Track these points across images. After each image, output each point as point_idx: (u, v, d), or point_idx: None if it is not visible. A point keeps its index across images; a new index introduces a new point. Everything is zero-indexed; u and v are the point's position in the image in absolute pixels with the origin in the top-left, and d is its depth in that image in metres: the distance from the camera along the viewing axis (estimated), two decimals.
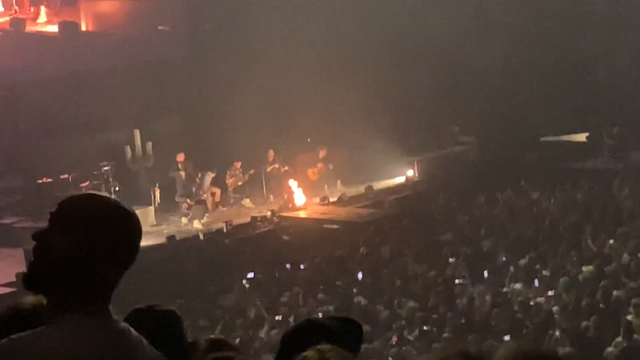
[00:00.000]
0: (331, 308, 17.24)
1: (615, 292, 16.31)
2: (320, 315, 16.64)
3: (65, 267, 2.84)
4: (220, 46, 27.20)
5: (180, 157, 25.30)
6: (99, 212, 2.89)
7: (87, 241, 2.85)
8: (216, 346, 4.31)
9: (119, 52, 28.18)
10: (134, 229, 2.95)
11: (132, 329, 2.93)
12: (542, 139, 28.43)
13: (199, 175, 25.23)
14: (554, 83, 28.59)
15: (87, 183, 23.76)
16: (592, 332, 14.89)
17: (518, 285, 17.69)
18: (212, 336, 4.02)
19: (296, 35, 27.18)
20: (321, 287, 18.83)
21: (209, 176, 25.30)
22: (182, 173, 25.07)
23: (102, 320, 2.87)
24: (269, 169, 26.33)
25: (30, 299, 3.54)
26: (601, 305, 15.82)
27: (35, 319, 3.34)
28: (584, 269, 17.76)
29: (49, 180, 23.87)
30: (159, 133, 26.50)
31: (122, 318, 3.31)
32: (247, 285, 19.80)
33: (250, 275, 20.10)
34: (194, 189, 25.04)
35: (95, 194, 2.97)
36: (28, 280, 2.89)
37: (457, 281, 18.26)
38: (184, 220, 24.64)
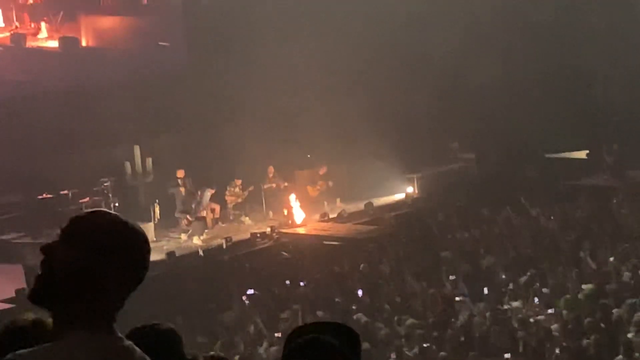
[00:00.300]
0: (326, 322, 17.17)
1: (615, 310, 16.28)
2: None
3: (72, 283, 2.82)
4: (220, 62, 27.21)
5: (180, 173, 25.29)
6: (110, 230, 2.88)
7: (96, 258, 2.84)
8: None
9: (119, 68, 28.19)
10: (143, 248, 2.94)
11: (136, 348, 2.92)
12: (542, 155, 28.42)
13: (199, 191, 25.22)
14: (553, 100, 28.61)
15: (87, 199, 23.74)
16: (592, 350, 14.85)
17: (518, 303, 17.66)
18: (212, 353, 4.01)
19: (296, 52, 27.20)
20: (320, 303, 18.79)
21: (209, 192, 25.30)
22: (182, 189, 25.06)
23: (108, 337, 2.85)
24: (268, 186, 26.33)
25: (28, 316, 3.53)
26: (601, 324, 15.79)
27: (33, 335, 3.33)
28: (584, 286, 17.73)
29: (49, 196, 23.86)
30: (159, 149, 26.53)
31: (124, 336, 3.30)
32: (246, 302, 19.77)
33: (250, 291, 20.07)
34: (193, 205, 25.03)
35: (107, 212, 2.96)
36: (34, 295, 2.88)
37: (456, 298, 18.23)
38: (184, 236, 24.63)
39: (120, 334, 2.90)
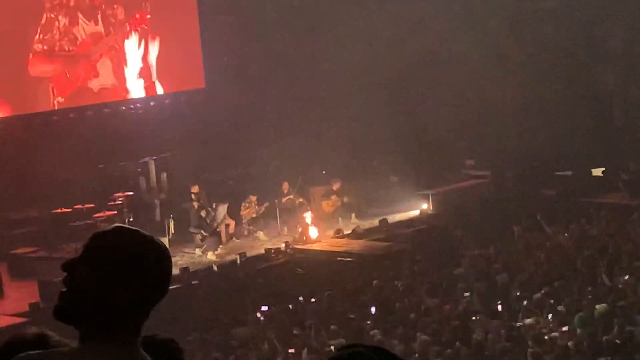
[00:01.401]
0: (344, 341, 17.16)
1: (630, 328, 16.21)
2: (332, 348, 16.59)
3: (95, 300, 2.85)
4: (235, 78, 27.30)
5: (195, 189, 25.32)
6: (132, 246, 2.89)
7: (118, 275, 2.85)
8: None
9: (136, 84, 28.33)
10: (165, 264, 2.96)
11: None
12: (558, 173, 28.38)
13: (214, 206, 25.24)
14: (570, 118, 28.59)
15: (102, 214, 23.81)
16: None
17: (532, 320, 17.59)
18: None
19: (310, 68, 27.27)
20: (334, 320, 18.75)
21: (223, 208, 25.31)
22: (195, 204, 25.07)
23: (131, 351, 2.89)
24: (283, 201, 26.34)
25: (33, 330, 3.54)
26: (617, 341, 15.71)
27: (36, 349, 3.33)
28: (599, 304, 17.66)
29: (65, 210, 23.92)
30: (174, 164, 26.59)
31: None
32: (261, 318, 19.74)
33: (264, 308, 20.04)
34: (208, 221, 25.03)
35: (128, 228, 2.96)
36: (59, 311, 2.90)
37: (472, 316, 18.17)
38: (198, 251, 24.64)
39: (139, 347, 2.93)
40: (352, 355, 3.03)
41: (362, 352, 3.00)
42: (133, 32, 27.89)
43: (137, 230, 2.95)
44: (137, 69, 27.97)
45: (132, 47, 27.90)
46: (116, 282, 2.85)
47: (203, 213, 25.03)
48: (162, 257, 2.94)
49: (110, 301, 2.85)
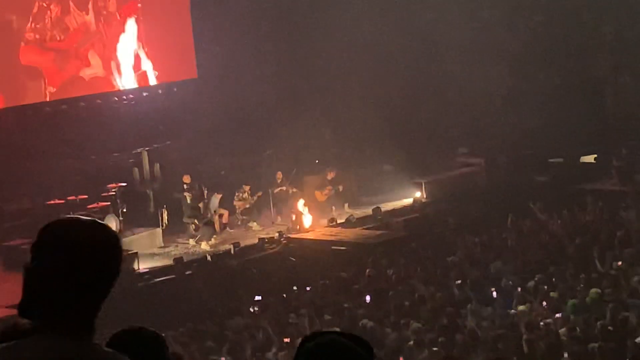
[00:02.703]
0: (338, 330, 17.18)
1: (623, 314, 16.25)
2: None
3: (41, 293, 2.84)
4: (227, 67, 27.28)
5: (187, 178, 25.33)
6: (71, 235, 2.87)
7: (59, 265, 2.83)
8: None
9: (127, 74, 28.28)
10: (106, 248, 2.91)
11: (109, 351, 2.93)
12: (551, 160, 28.41)
13: (206, 196, 25.25)
14: (562, 105, 28.61)
15: (96, 205, 23.80)
16: (600, 354, 14.83)
17: (525, 307, 17.63)
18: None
19: (303, 58, 27.25)
20: (328, 308, 18.78)
21: (216, 197, 25.33)
22: (188, 195, 25.08)
23: (80, 344, 2.85)
24: (276, 191, 26.35)
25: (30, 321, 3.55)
26: (610, 328, 15.76)
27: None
28: (592, 290, 17.70)
29: (58, 202, 23.90)
30: (167, 155, 26.58)
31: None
32: (255, 307, 19.77)
33: (258, 298, 20.06)
34: (201, 211, 25.04)
35: (69, 218, 2.93)
36: (21, 309, 2.91)
37: (465, 304, 18.21)
38: (192, 242, 24.66)
39: (92, 340, 2.89)
40: (328, 343, 3.07)
41: (337, 339, 3.04)
42: (125, 21, 27.84)
43: (78, 219, 2.92)
44: (128, 58, 27.92)
45: (123, 37, 27.85)
46: (58, 273, 2.83)
47: (195, 203, 25.05)
48: (103, 242, 2.90)
49: (54, 293, 2.83)
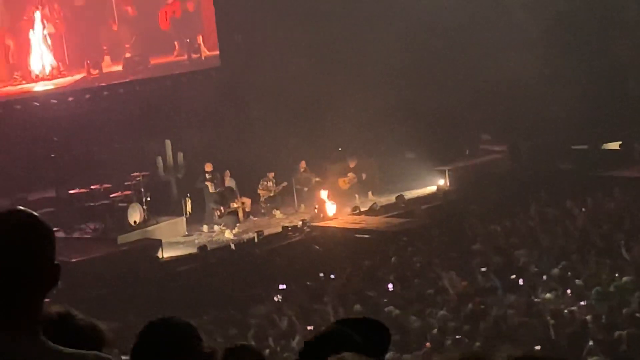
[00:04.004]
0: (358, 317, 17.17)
1: None
2: None
3: None
4: (250, 56, 27.27)
5: (208, 166, 25.38)
6: (19, 227, 2.81)
7: (10, 258, 2.76)
8: (235, 354, 4.27)
9: (150, 63, 28.34)
10: (53, 242, 2.85)
11: (60, 348, 2.82)
12: (575, 147, 28.27)
13: (226, 180, 25.35)
14: (586, 91, 28.42)
15: (119, 193, 23.86)
16: (625, 342, 14.76)
17: (550, 295, 17.57)
18: (243, 343, 3.98)
19: (326, 44, 27.20)
20: (352, 296, 18.79)
21: (230, 179, 25.41)
22: (209, 184, 25.15)
23: (29, 338, 2.78)
24: (300, 179, 26.34)
25: (57, 308, 3.53)
26: (637, 315, 15.69)
27: (62, 327, 3.33)
28: (617, 278, 17.63)
29: (82, 191, 23.97)
30: (191, 143, 26.61)
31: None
32: (278, 295, 19.79)
33: (282, 286, 20.06)
34: (225, 198, 25.02)
35: (16, 210, 2.86)
36: None
37: (489, 292, 18.17)
38: (218, 228, 24.66)
39: (42, 337, 2.81)
40: (332, 331, 3.06)
41: (341, 327, 3.04)
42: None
43: (23, 211, 2.85)
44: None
45: None
46: (8, 266, 2.75)
47: (217, 191, 25.09)
48: (50, 235, 2.85)
49: (5, 286, 2.75)
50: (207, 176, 25.31)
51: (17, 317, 2.77)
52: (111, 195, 23.77)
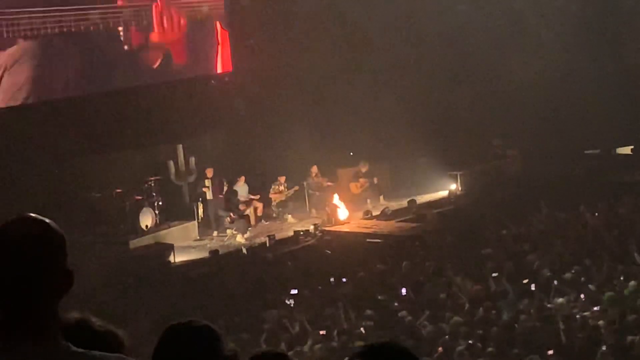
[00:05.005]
0: (372, 323, 17.19)
1: None
2: (362, 330, 16.61)
3: (9, 295, 2.77)
4: (262, 61, 27.28)
5: (209, 172, 25.47)
6: (32, 235, 2.81)
7: (24, 266, 2.77)
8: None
9: (162, 68, 28.32)
10: (64, 248, 2.85)
11: (86, 352, 2.83)
12: (587, 152, 28.23)
13: (225, 189, 25.32)
14: (598, 96, 28.38)
15: (132, 198, 23.91)
16: (638, 347, 14.73)
17: (563, 300, 17.54)
18: (266, 348, 3.96)
19: (338, 50, 27.21)
20: (364, 301, 18.77)
21: (243, 185, 25.42)
22: (207, 190, 25.20)
23: (54, 347, 2.78)
24: (311, 183, 26.36)
25: (75, 314, 3.53)
26: None
27: (80, 333, 3.33)
28: (630, 283, 17.58)
29: (96, 195, 24.02)
30: (203, 148, 26.65)
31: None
32: (290, 300, 19.77)
33: (294, 291, 20.05)
34: (231, 204, 25.04)
35: (26, 217, 2.86)
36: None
37: (501, 296, 18.14)
38: (230, 232, 24.68)
39: (64, 341, 2.81)
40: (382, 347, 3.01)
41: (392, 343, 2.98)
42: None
43: (34, 217, 2.85)
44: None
45: None
46: (23, 273, 2.76)
47: (214, 198, 25.14)
48: (61, 241, 2.85)
49: (21, 294, 2.76)
50: (207, 182, 25.36)
51: (35, 324, 2.76)
52: (124, 200, 23.81)
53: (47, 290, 2.79)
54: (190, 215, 25.05)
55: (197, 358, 3.61)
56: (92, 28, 25.48)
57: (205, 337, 3.73)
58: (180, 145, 26.12)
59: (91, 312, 3.65)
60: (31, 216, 2.86)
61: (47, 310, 2.79)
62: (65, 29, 24.95)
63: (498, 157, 28.68)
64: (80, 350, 2.82)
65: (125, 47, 26.36)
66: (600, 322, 16.01)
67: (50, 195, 24.47)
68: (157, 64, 26.96)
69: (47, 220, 2.87)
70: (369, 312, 17.93)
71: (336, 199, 25.34)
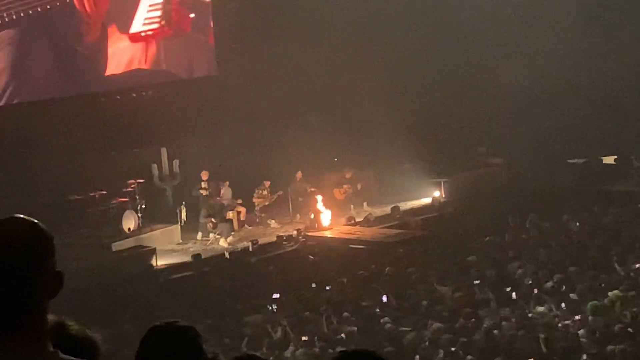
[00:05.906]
0: (355, 329, 17.17)
1: None
2: (344, 336, 16.59)
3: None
4: (247, 64, 27.26)
5: (204, 174, 25.41)
6: (21, 236, 2.77)
7: (16, 267, 2.73)
8: None
9: (147, 70, 28.27)
10: (41, 247, 2.80)
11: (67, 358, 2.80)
12: (570, 161, 28.31)
13: (221, 190, 25.35)
14: (582, 105, 28.49)
15: (115, 200, 23.85)
16: (619, 356, 14.74)
17: (544, 308, 17.56)
18: (245, 353, 3.96)
19: (324, 55, 27.19)
20: (346, 307, 18.75)
21: (227, 188, 25.41)
22: (204, 192, 25.18)
23: (43, 352, 2.76)
24: (295, 189, 26.34)
25: (51, 317, 3.50)
26: (629, 330, 15.68)
27: (54, 338, 3.30)
28: (611, 293, 17.61)
29: (78, 197, 23.94)
30: (186, 151, 26.61)
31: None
32: (273, 305, 19.73)
33: (276, 295, 20.03)
34: (216, 208, 25.00)
35: (15, 218, 2.82)
36: None
37: (484, 304, 18.14)
38: (213, 236, 24.63)
39: (52, 347, 2.78)
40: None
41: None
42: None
43: (22, 219, 2.81)
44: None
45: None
46: (15, 274, 2.72)
47: (212, 200, 25.10)
48: (50, 242, 2.81)
49: (12, 295, 2.72)
50: (203, 185, 25.33)
51: (23, 326, 2.74)
52: (107, 202, 23.75)
53: (36, 292, 2.76)
54: (173, 219, 24.98)
55: (180, 358, 3.59)
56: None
57: (189, 338, 3.72)
58: (164, 148, 26.07)
59: (71, 315, 3.61)
60: (19, 217, 2.82)
61: (35, 313, 2.77)
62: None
63: (483, 165, 28.73)
64: (67, 357, 2.80)
65: (109, 48, 26.34)
66: (581, 331, 16.03)
67: (33, 197, 24.40)
68: (144, 65, 26.92)
69: (35, 221, 2.82)
70: (351, 317, 17.91)
71: (320, 204, 25.33)
